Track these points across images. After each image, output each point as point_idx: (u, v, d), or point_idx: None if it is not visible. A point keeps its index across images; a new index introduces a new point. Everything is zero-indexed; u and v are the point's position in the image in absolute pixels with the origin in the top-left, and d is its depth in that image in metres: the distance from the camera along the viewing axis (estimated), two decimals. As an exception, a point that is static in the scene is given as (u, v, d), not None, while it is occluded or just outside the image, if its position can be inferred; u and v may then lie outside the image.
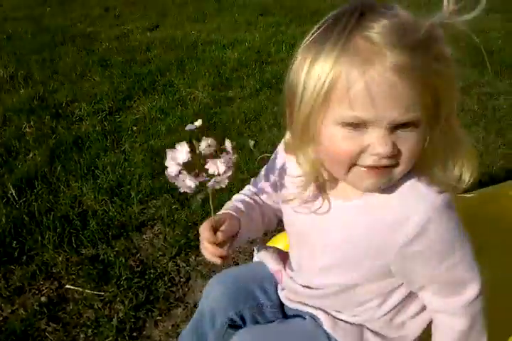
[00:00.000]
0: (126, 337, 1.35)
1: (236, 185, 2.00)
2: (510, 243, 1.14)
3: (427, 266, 0.73)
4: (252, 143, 2.44)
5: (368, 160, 0.65)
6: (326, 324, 0.84)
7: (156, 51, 3.51)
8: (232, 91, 3.01)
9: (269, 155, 2.67)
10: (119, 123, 2.48)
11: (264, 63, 3.50)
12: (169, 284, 1.55)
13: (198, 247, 1.70)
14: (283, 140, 0.84)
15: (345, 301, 0.84)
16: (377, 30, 0.61)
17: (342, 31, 0.62)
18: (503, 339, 0.94)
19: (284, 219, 0.91)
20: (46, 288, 1.51)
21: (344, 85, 0.61)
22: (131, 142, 2.29)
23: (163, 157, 2.29)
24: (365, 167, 0.66)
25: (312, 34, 0.67)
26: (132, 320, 1.41)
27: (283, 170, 0.84)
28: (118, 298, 1.47)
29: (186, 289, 1.54)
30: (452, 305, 0.77)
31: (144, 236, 1.74)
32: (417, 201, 0.70)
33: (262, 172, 0.94)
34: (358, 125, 0.64)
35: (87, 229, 1.73)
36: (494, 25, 5.16)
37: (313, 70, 0.64)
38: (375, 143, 0.63)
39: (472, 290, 0.75)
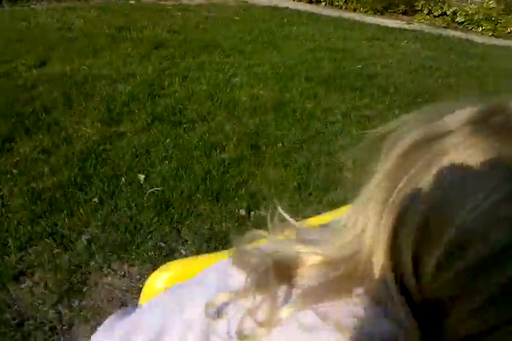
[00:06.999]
0: None
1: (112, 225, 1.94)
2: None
3: None
4: (142, 177, 2.43)
5: None
6: None
7: (42, 88, 3.39)
8: (123, 125, 2.99)
9: (158, 188, 2.62)
10: (-2, 167, 2.36)
11: (157, 96, 3.52)
12: (50, 333, 1.48)
13: (81, 291, 1.66)
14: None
15: None
16: None
17: None
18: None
19: None
20: None
21: None
22: (11, 186, 2.18)
23: (46, 198, 2.17)
24: None
25: None
26: (6, 378, 1.33)
27: None
28: (-10, 356, 1.38)
29: (68, 336, 1.48)
30: None
31: (23, 286, 1.65)
32: None
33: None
34: None
35: (-44, 284, 1.61)
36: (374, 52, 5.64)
37: None
38: None
39: None
